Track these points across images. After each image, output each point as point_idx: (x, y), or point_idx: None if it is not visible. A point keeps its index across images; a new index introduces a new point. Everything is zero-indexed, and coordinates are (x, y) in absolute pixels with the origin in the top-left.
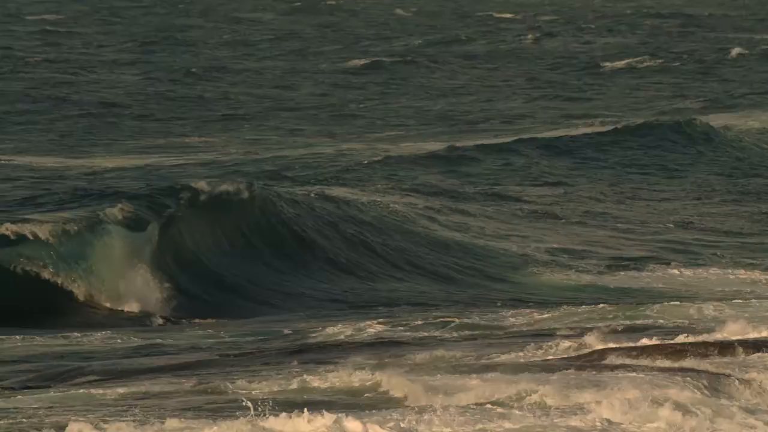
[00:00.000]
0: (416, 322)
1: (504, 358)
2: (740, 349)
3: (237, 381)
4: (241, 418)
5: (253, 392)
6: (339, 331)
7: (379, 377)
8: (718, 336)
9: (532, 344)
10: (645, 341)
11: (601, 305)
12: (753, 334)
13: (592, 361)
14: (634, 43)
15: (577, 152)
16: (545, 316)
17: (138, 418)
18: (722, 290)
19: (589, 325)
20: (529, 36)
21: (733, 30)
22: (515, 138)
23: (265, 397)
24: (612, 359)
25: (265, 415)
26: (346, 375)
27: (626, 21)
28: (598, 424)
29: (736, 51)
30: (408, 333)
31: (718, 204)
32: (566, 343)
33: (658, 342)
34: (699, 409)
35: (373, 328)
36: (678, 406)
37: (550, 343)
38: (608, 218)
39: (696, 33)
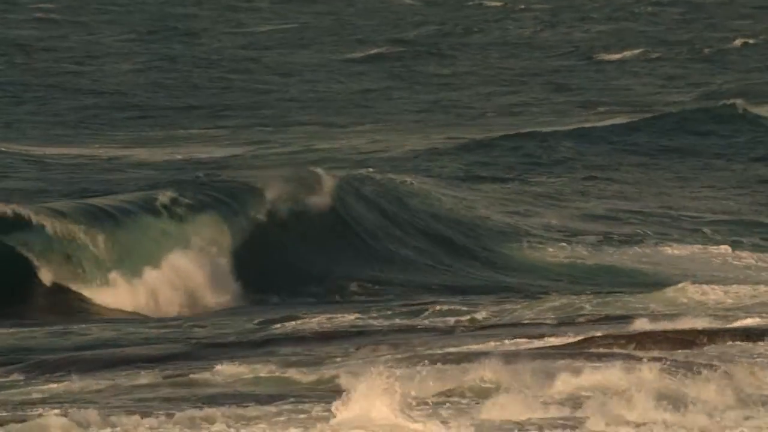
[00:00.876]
0: (387, 312)
1: (479, 347)
2: (727, 337)
3: (200, 372)
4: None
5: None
6: (311, 320)
7: (335, 371)
8: (703, 324)
9: (511, 333)
10: (632, 329)
11: (584, 295)
12: (741, 322)
13: (580, 349)
14: (635, 31)
15: (585, 141)
16: (526, 302)
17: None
18: (714, 274)
19: (573, 313)
20: (529, 26)
21: (729, 18)
22: (522, 129)
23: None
24: (597, 348)
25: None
26: (308, 367)
27: (626, 8)
28: (590, 416)
29: (739, 40)
30: (381, 321)
31: (734, 188)
32: (549, 331)
33: (645, 330)
34: (694, 403)
35: (350, 316)
36: (672, 397)
37: (529, 332)
38: (611, 200)
39: (698, 21)
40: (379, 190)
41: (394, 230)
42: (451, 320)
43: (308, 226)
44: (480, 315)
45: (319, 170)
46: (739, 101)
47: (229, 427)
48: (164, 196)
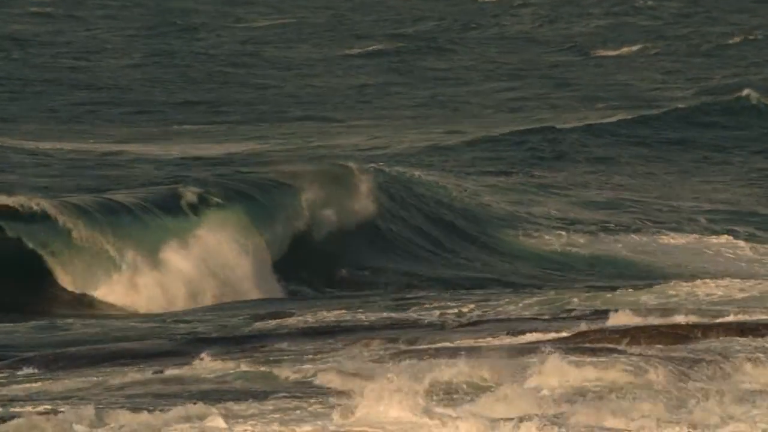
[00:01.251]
0: (376, 307)
1: (472, 342)
2: (721, 332)
3: (189, 368)
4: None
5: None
6: (301, 315)
7: (315, 368)
8: (695, 318)
9: (503, 327)
10: (624, 323)
11: (574, 289)
12: (734, 317)
13: (575, 344)
14: (634, 26)
15: (591, 135)
16: (516, 296)
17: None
18: (707, 266)
19: (563, 308)
20: (527, 21)
21: (728, 13)
22: (523, 125)
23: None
24: (591, 342)
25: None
26: (290, 366)
27: (625, 3)
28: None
29: (738, 35)
30: (369, 315)
31: (735, 180)
32: (541, 326)
33: (638, 324)
34: (692, 398)
35: (339, 310)
36: (671, 393)
37: (521, 326)
38: (613, 191)
39: (697, 15)
40: (387, 181)
41: (400, 212)
42: (443, 315)
43: (332, 220)
44: (470, 309)
45: (352, 164)
46: (753, 93)
47: (226, 423)
48: (191, 194)
